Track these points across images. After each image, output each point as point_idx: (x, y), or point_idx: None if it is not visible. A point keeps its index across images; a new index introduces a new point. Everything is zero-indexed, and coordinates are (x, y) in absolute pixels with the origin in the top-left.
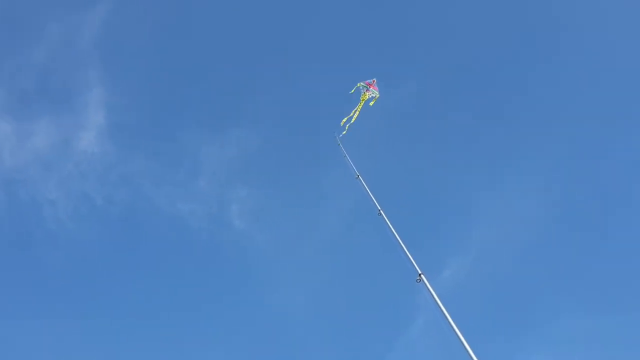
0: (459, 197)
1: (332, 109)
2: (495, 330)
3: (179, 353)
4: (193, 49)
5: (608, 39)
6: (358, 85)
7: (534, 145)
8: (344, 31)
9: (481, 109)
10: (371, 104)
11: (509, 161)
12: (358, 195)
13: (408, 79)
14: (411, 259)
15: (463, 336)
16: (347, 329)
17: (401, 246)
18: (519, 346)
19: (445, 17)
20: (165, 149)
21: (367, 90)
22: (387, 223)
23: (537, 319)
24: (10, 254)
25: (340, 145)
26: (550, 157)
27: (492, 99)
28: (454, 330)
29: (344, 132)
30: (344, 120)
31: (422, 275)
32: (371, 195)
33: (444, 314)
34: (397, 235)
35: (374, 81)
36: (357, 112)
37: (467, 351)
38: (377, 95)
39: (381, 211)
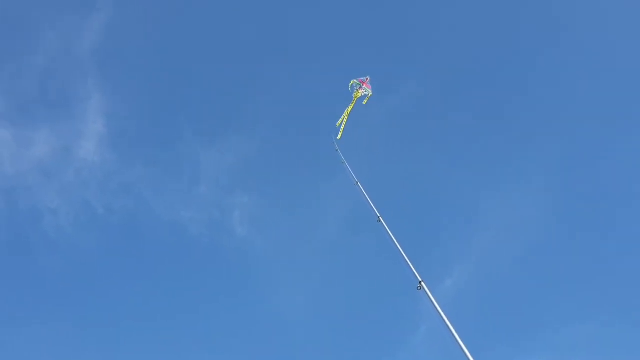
0: (460, 202)
1: (333, 113)
2: (497, 336)
3: (179, 359)
4: (192, 56)
5: (609, 40)
6: (351, 82)
7: (535, 149)
8: (344, 33)
9: (482, 112)
10: (364, 102)
11: (511, 165)
12: (357, 201)
13: (408, 81)
14: (411, 266)
15: (464, 343)
16: (349, 337)
17: (401, 254)
18: (521, 352)
19: (446, 18)
20: (165, 156)
21: (360, 88)
22: (386, 230)
23: (538, 325)
24: (11, 261)
25: (339, 151)
26: (552, 162)
27: (493, 101)
28: (455, 337)
29: (339, 135)
30: (338, 122)
31: (422, 283)
32: (370, 202)
33: (444, 322)
34: (396, 243)
35: (367, 79)
36: (349, 110)
37: (468, 358)
38: (370, 93)
39: (380, 218)
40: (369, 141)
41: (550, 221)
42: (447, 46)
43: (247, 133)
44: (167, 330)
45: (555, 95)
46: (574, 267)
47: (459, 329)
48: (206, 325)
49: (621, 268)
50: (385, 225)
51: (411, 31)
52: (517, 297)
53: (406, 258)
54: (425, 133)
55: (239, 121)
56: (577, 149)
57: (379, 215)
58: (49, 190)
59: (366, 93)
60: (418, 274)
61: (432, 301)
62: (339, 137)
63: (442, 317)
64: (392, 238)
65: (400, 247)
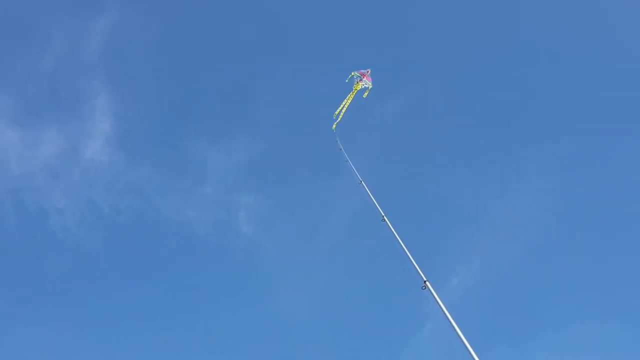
0: (464, 202)
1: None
2: (502, 336)
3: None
4: (197, 57)
5: (610, 41)
6: (352, 74)
7: (539, 149)
8: (347, 34)
9: (485, 112)
10: (364, 95)
11: (514, 165)
12: (362, 200)
13: (411, 81)
14: (416, 265)
15: (469, 342)
16: (353, 336)
17: (406, 253)
18: (526, 352)
19: (449, 19)
20: (171, 157)
21: (361, 80)
22: (391, 229)
23: (543, 325)
24: (18, 261)
25: (342, 149)
26: (555, 162)
27: (496, 102)
28: (459, 336)
29: (336, 123)
30: (336, 112)
31: (427, 283)
32: (374, 201)
33: (449, 321)
34: (401, 242)
35: (368, 72)
36: (349, 102)
37: (473, 357)
38: (370, 86)
39: (385, 217)
40: (373, 140)
41: (553, 221)
42: (450, 47)
43: (252, 133)
44: (173, 330)
45: (557, 96)
46: (576, 267)
47: (464, 328)
48: (212, 325)
49: (622, 268)
50: (390, 224)
51: (414, 32)
52: (519, 296)
53: (410, 257)
54: (429, 133)
55: (245, 121)
56: (579, 149)
57: (383, 214)
58: (55, 190)
59: (366, 86)
60: (422, 273)
61: (436, 300)
62: (334, 127)
63: (446, 316)
64: (396, 237)
65: (405, 246)
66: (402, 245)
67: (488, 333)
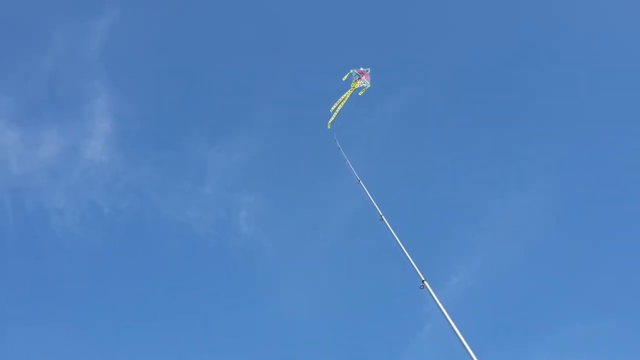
0: (463, 202)
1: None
2: (502, 336)
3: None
4: (198, 56)
5: (612, 42)
6: (351, 72)
7: (540, 150)
8: (347, 34)
9: (486, 113)
10: (360, 93)
11: (515, 166)
12: (362, 200)
13: (411, 81)
14: (413, 264)
15: (467, 342)
16: (353, 336)
17: (404, 252)
18: (526, 352)
19: (449, 19)
20: (171, 157)
21: (359, 78)
22: (389, 229)
23: (543, 325)
24: (18, 261)
25: (341, 149)
26: (555, 162)
27: (497, 102)
28: (457, 336)
29: (331, 120)
30: (332, 107)
31: (425, 282)
32: (372, 201)
33: (447, 320)
34: (398, 241)
35: (367, 70)
36: (346, 99)
37: (471, 357)
38: (368, 85)
39: (382, 217)
40: (373, 140)
41: (553, 222)
42: (450, 46)
43: (253, 133)
44: (173, 330)
45: (557, 96)
46: (575, 267)
47: (462, 328)
48: (212, 325)
49: (622, 268)
50: (387, 224)
51: (414, 32)
52: (519, 296)
53: (408, 256)
54: (428, 133)
55: (245, 121)
56: (579, 150)
57: (381, 213)
58: (55, 191)
59: (364, 84)
60: (421, 272)
61: (434, 299)
62: (329, 125)
63: (444, 315)
64: (394, 236)
65: (403, 245)
66: (399, 244)
67: (488, 333)
